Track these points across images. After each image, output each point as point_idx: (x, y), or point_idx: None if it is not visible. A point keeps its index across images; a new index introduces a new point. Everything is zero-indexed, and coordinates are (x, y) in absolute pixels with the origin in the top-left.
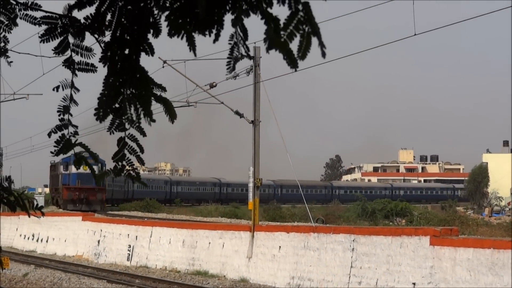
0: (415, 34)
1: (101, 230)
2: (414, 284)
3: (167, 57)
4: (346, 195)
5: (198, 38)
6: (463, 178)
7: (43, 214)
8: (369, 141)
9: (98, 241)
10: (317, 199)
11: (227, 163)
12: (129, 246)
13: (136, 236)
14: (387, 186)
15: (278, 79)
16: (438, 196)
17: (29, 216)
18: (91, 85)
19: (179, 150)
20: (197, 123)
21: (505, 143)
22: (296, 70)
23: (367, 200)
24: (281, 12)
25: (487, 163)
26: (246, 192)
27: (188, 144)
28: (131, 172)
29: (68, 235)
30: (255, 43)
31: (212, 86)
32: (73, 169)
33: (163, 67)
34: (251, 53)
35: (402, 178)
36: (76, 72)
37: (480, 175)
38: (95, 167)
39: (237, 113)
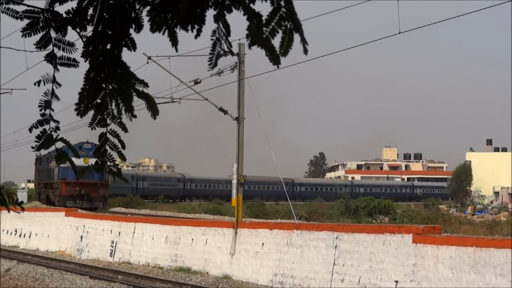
0: (399, 32)
1: (84, 226)
2: (396, 282)
3: (152, 53)
4: (307, 192)
5: (181, 34)
6: (446, 176)
7: (23, 209)
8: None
9: (81, 237)
10: (278, 196)
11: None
12: (112, 242)
13: (119, 232)
14: (347, 184)
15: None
16: (397, 194)
17: (8, 211)
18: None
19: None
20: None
21: (489, 142)
22: (278, 67)
23: (327, 197)
24: (263, 8)
25: (470, 161)
26: (210, 189)
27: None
28: (112, 168)
29: (51, 231)
30: (239, 39)
31: (196, 82)
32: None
33: (147, 63)
34: (235, 50)
35: (386, 176)
36: (58, 66)
37: (464, 173)
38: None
39: (221, 109)
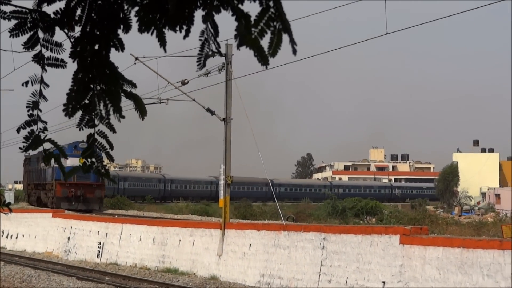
0: (387, 33)
1: (71, 227)
2: (383, 282)
3: (139, 53)
4: (286, 192)
5: (169, 34)
6: (433, 177)
7: (10, 210)
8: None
9: (68, 238)
10: (257, 196)
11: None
12: (99, 243)
13: (106, 233)
14: (326, 184)
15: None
16: (376, 195)
17: None
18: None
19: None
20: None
21: (475, 143)
22: (267, 68)
23: (306, 197)
24: (252, 8)
25: (457, 162)
26: (190, 189)
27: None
28: (100, 168)
29: (38, 232)
30: (227, 40)
31: (183, 83)
32: (68, 162)
33: (135, 63)
34: (224, 51)
35: (373, 176)
36: (46, 67)
37: (451, 174)
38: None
39: (208, 110)
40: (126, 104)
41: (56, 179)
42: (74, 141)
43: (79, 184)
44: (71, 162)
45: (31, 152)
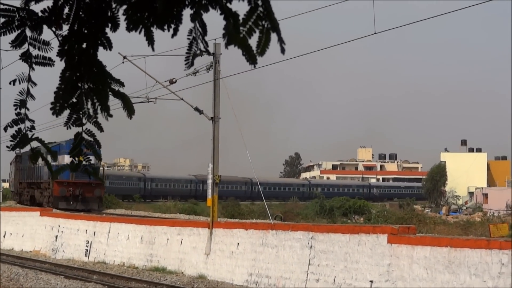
0: (375, 33)
1: (59, 226)
2: (371, 282)
3: (127, 52)
4: (265, 191)
5: (157, 33)
6: (421, 177)
7: None
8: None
9: (56, 237)
10: (236, 195)
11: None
12: (87, 241)
13: (94, 232)
14: (305, 183)
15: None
16: (354, 194)
17: None
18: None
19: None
20: None
21: (463, 143)
22: (255, 67)
23: (285, 196)
24: (240, 7)
25: (445, 162)
26: (171, 188)
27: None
28: (88, 167)
29: (25, 230)
30: (215, 39)
31: (172, 82)
32: (65, 159)
33: (123, 62)
34: (212, 50)
35: (361, 176)
36: (34, 66)
37: (438, 173)
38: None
39: (196, 109)
40: (114, 103)
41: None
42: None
43: (78, 183)
44: (69, 159)
45: (22, 150)
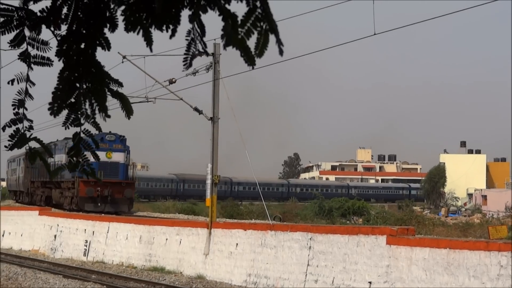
0: (374, 34)
1: (58, 225)
2: (370, 283)
3: (127, 51)
4: (244, 191)
5: (157, 33)
6: (420, 178)
7: None
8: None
9: (55, 236)
10: (219, 195)
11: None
12: (86, 241)
13: (93, 232)
14: (284, 183)
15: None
16: (333, 194)
17: None
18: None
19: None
20: None
21: (463, 144)
22: (253, 68)
23: (264, 196)
24: (239, 8)
25: (444, 163)
26: (153, 188)
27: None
28: (86, 167)
29: (24, 230)
30: (215, 39)
31: (171, 82)
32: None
33: (122, 62)
34: (211, 50)
35: (360, 177)
36: (32, 65)
37: (437, 175)
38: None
39: (195, 109)
40: (112, 102)
41: (78, 176)
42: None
43: (106, 183)
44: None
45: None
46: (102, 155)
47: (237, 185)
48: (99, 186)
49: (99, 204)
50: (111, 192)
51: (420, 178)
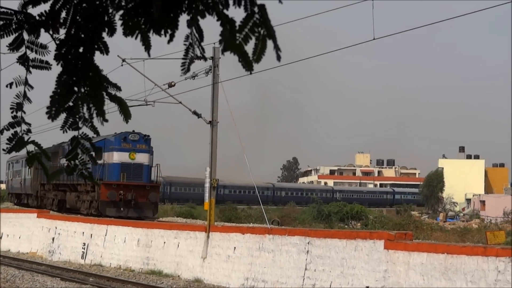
0: (374, 39)
1: (56, 228)
2: (367, 287)
3: (126, 55)
4: (230, 194)
5: (156, 37)
6: (418, 183)
7: None
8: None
9: (53, 239)
10: (202, 199)
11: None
12: (84, 244)
13: (91, 234)
14: (269, 186)
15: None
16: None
17: None
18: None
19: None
20: None
21: (461, 149)
22: (251, 73)
23: (249, 200)
24: (237, 14)
25: (442, 168)
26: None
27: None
28: (83, 171)
29: (22, 232)
30: (214, 43)
31: (170, 85)
32: (114, 157)
33: (121, 65)
34: (210, 54)
35: (359, 181)
36: (31, 69)
37: (435, 180)
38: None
39: (195, 113)
40: (111, 106)
41: (100, 179)
42: (122, 131)
43: (129, 185)
44: (119, 157)
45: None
46: (125, 156)
47: (222, 188)
48: (121, 189)
49: (121, 208)
50: (135, 196)
51: (419, 183)
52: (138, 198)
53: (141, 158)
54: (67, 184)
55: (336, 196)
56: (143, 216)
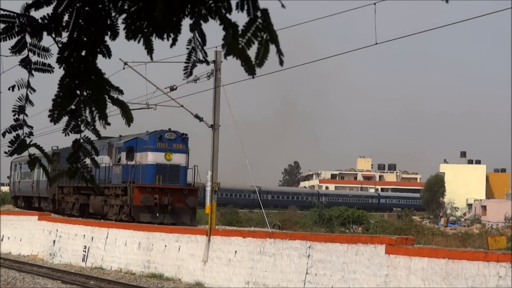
0: (376, 43)
1: (57, 230)
2: None
3: (128, 58)
4: (218, 198)
5: (158, 40)
6: (420, 188)
7: None
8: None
9: (54, 241)
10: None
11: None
12: (85, 247)
13: (92, 237)
14: (255, 190)
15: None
16: (303, 202)
17: None
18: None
19: None
20: None
21: (463, 154)
22: (253, 77)
23: (237, 203)
24: (240, 18)
25: (443, 173)
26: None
27: None
28: (85, 174)
29: (23, 234)
30: (216, 47)
31: (172, 89)
32: (149, 158)
33: (123, 68)
34: (212, 57)
35: (360, 186)
36: (33, 72)
37: (436, 184)
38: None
39: (196, 116)
40: (113, 109)
41: (133, 181)
42: (155, 130)
43: (165, 189)
44: (154, 158)
45: (59, 146)
46: (160, 157)
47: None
48: (157, 193)
49: (157, 214)
50: (171, 201)
51: (420, 187)
52: (175, 202)
53: (178, 159)
54: (92, 187)
55: (322, 200)
56: (179, 223)
